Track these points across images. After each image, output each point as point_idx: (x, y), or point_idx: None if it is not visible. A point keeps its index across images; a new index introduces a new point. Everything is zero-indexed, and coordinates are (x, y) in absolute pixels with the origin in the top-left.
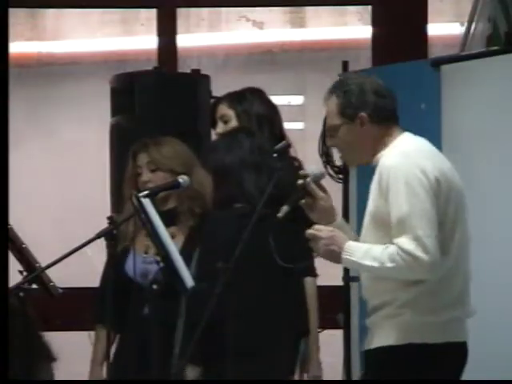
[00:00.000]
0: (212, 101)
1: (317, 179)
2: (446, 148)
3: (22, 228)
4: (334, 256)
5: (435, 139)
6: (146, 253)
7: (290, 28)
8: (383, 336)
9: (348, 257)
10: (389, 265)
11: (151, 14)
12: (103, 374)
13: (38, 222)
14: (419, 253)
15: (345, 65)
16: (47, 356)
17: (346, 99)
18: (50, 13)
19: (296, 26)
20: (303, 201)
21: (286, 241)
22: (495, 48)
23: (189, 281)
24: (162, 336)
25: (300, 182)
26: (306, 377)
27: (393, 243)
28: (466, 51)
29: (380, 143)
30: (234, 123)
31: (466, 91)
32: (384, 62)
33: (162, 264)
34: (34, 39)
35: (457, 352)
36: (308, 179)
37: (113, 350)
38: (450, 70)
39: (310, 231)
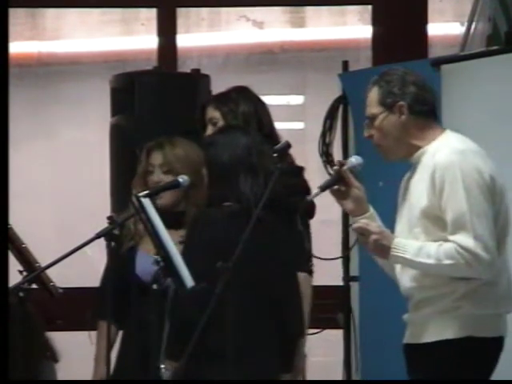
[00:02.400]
0: (203, 102)
1: (354, 168)
2: None
3: (22, 228)
4: (384, 251)
5: None
6: (156, 254)
7: (290, 28)
8: (440, 329)
9: (400, 254)
10: (446, 262)
11: (151, 13)
12: (107, 371)
13: (38, 222)
14: (480, 251)
15: (345, 65)
16: (50, 356)
17: (387, 88)
18: (50, 13)
19: (296, 25)
20: (336, 187)
21: (280, 241)
22: (495, 48)
23: (189, 281)
24: (162, 337)
25: (336, 167)
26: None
27: (445, 239)
28: (466, 51)
29: (420, 138)
30: (221, 124)
31: (466, 91)
32: (384, 62)
33: (161, 264)
34: (34, 39)
35: (502, 346)
36: (345, 167)
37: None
38: (450, 69)
39: (358, 225)
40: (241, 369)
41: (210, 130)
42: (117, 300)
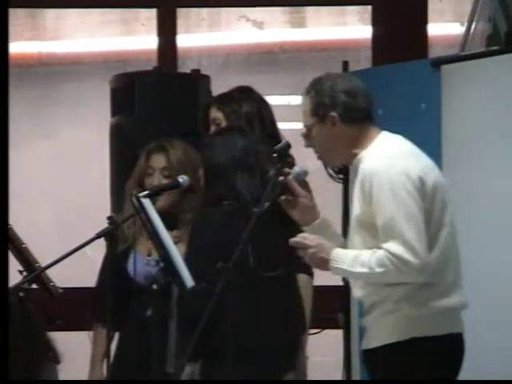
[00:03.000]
0: (206, 103)
1: (299, 177)
2: (446, 148)
3: (22, 228)
4: (323, 264)
5: (435, 139)
6: (149, 255)
7: (290, 28)
8: (384, 333)
9: (338, 265)
10: (378, 270)
11: (151, 13)
12: (103, 373)
13: (38, 222)
14: (408, 256)
15: (345, 65)
16: (52, 357)
17: (318, 99)
18: (50, 13)
19: (296, 26)
20: (283, 197)
21: (274, 241)
22: (495, 48)
23: (189, 281)
24: (164, 337)
25: (281, 178)
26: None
27: (378, 247)
28: (466, 51)
29: (356, 144)
30: (224, 125)
31: (466, 91)
32: (384, 62)
33: (161, 264)
34: (34, 39)
35: (456, 343)
36: (290, 176)
37: (112, 350)
38: (450, 69)
39: (295, 239)
40: (247, 368)
41: (212, 131)
42: (112, 302)
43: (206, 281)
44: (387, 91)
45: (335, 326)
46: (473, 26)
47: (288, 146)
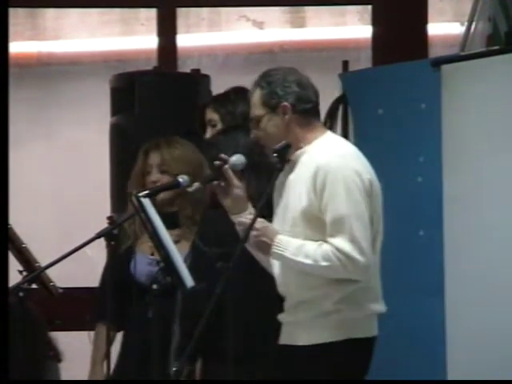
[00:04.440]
0: (203, 104)
1: (234, 167)
2: (446, 148)
3: (22, 228)
4: (264, 248)
5: (435, 139)
6: (151, 254)
7: (290, 28)
8: (320, 332)
9: (280, 252)
10: (323, 263)
11: (151, 13)
12: (104, 372)
13: (38, 222)
14: (355, 254)
15: (345, 65)
16: (53, 356)
17: (270, 89)
18: (50, 13)
19: (296, 25)
20: (216, 183)
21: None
22: (495, 48)
23: (189, 281)
24: (166, 338)
25: (217, 163)
26: None
27: (324, 240)
28: (466, 51)
29: (302, 138)
30: (220, 127)
31: (466, 91)
32: (384, 62)
33: (161, 264)
34: (34, 39)
35: (374, 345)
36: (226, 165)
37: (113, 350)
38: (450, 69)
39: (240, 219)
40: (248, 369)
41: (209, 132)
42: (114, 301)
43: (209, 279)
44: (387, 91)
45: None
46: (473, 26)
47: (288, 145)
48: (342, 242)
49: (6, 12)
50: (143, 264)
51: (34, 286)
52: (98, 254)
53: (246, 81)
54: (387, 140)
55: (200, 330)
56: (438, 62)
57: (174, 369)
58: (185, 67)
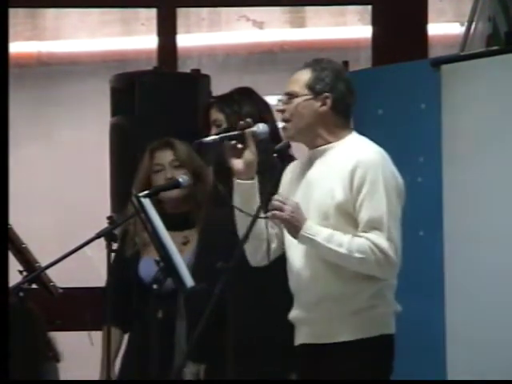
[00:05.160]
0: (207, 104)
1: (256, 133)
2: (446, 148)
3: (22, 228)
4: (293, 229)
5: (435, 139)
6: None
7: (290, 28)
8: (354, 329)
9: (311, 236)
10: (357, 255)
11: (151, 13)
12: (115, 374)
13: (38, 222)
14: (391, 252)
15: (345, 65)
16: (53, 356)
17: (321, 75)
18: (50, 13)
19: (296, 25)
20: (233, 142)
21: None
22: (495, 48)
23: (189, 281)
24: (174, 339)
25: (241, 123)
26: None
27: (360, 235)
28: (466, 51)
29: (330, 132)
30: (225, 126)
31: (466, 91)
32: (384, 62)
33: (161, 264)
34: (34, 39)
35: None
36: (249, 130)
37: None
38: (450, 69)
39: (273, 202)
40: (249, 367)
41: (213, 132)
42: (123, 304)
43: (212, 279)
44: (387, 91)
45: None
46: (473, 26)
47: (288, 145)
48: (379, 239)
49: (6, 12)
50: (152, 267)
51: (34, 285)
52: (98, 254)
53: (246, 81)
54: (387, 140)
55: (205, 330)
56: (438, 62)
57: (186, 370)
58: (185, 67)
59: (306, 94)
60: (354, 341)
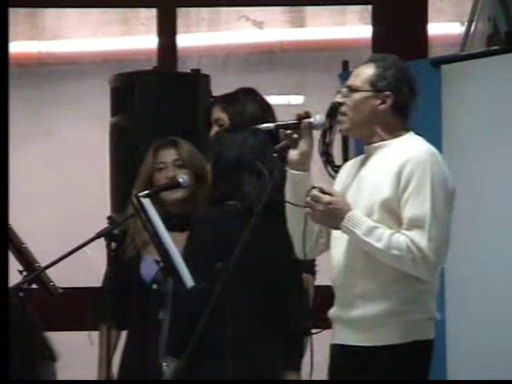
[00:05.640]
0: (209, 103)
1: (314, 124)
2: (446, 148)
3: (22, 228)
4: (333, 220)
5: (435, 139)
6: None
7: (290, 28)
8: (386, 334)
9: (351, 227)
10: (394, 252)
11: (151, 13)
12: (114, 373)
13: (37, 222)
14: (430, 253)
15: (345, 65)
16: (49, 356)
17: (384, 73)
18: (50, 13)
19: (296, 25)
20: (289, 132)
21: (283, 241)
22: (495, 48)
23: (189, 281)
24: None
25: (299, 113)
26: None
27: (402, 232)
28: (466, 51)
29: (386, 130)
30: (227, 125)
31: (466, 91)
32: None
33: (161, 264)
34: (34, 39)
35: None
36: (306, 120)
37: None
38: (450, 69)
39: (313, 192)
40: (241, 366)
41: (214, 131)
42: (120, 304)
43: (203, 279)
44: None
45: None
46: (473, 26)
47: (288, 146)
48: (418, 237)
49: (6, 12)
50: (154, 268)
51: (34, 285)
52: (98, 254)
53: (246, 81)
54: None
55: (194, 326)
56: (438, 62)
57: (164, 364)
58: (185, 67)
59: (366, 90)
60: (385, 346)
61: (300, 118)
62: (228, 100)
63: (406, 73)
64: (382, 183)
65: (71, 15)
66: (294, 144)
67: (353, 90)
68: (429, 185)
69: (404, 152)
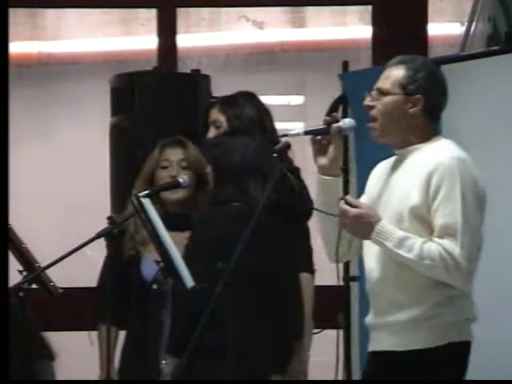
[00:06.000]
0: (208, 104)
1: (342, 129)
2: None
3: (22, 228)
4: (363, 232)
5: None
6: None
7: (290, 28)
8: (420, 338)
9: (381, 240)
10: (427, 262)
11: (151, 13)
12: (115, 371)
13: (37, 222)
14: (463, 260)
15: (345, 65)
16: (47, 355)
17: (415, 76)
18: (50, 13)
19: (296, 25)
20: (319, 138)
21: (282, 242)
22: (495, 48)
23: (189, 281)
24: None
25: (327, 118)
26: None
27: (433, 240)
28: (466, 51)
29: (416, 134)
30: (225, 128)
31: (466, 91)
32: (384, 62)
33: (161, 264)
34: (34, 39)
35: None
36: (335, 125)
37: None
38: (449, 70)
39: (342, 206)
40: (231, 366)
41: (212, 133)
42: (119, 303)
43: (203, 279)
44: None
45: (335, 326)
46: (473, 26)
47: (288, 146)
48: (451, 245)
49: (6, 12)
50: (153, 267)
51: (34, 285)
52: (98, 254)
53: (246, 81)
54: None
55: (194, 326)
56: (438, 63)
57: (163, 362)
58: (185, 67)
59: (397, 93)
60: (422, 349)
61: (329, 123)
62: (227, 102)
63: (437, 74)
64: (412, 190)
65: (71, 15)
66: (323, 150)
67: (383, 92)
68: (459, 191)
69: (433, 158)
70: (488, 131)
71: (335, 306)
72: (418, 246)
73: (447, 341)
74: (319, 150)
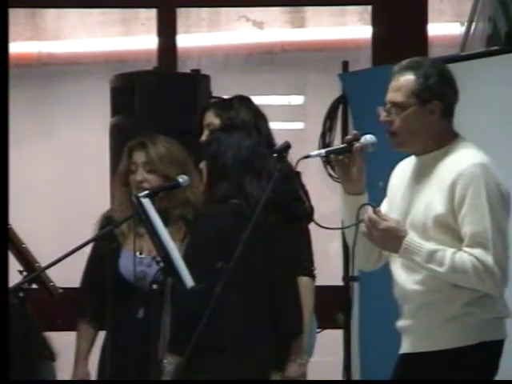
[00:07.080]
0: (203, 106)
1: (364, 147)
2: None
3: (22, 228)
4: (390, 246)
5: None
6: (140, 253)
7: (290, 28)
8: (451, 337)
9: (410, 255)
10: (460, 274)
11: (151, 13)
12: (88, 370)
13: (37, 222)
14: (497, 269)
15: (345, 65)
16: (48, 355)
17: (426, 82)
18: (50, 13)
19: (296, 26)
20: (341, 157)
21: (282, 243)
22: (495, 48)
23: (189, 281)
24: (157, 337)
25: (348, 137)
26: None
27: (458, 249)
28: (466, 51)
29: (437, 139)
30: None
31: (466, 91)
32: (384, 62)
33: (161, 264)
34: (34, 39)
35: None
36: (358, 143)
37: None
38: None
39: (368, 215)
40: (229, 365)
41: (205, 135)
42: (98, 300)
43: (203, 277)
44: (387, 91)
45: (335, 326)
46: (473, 26)
47: (288, 146)
48: (484, 255)
49: (6, 12)
50: (131, 263)
51: (34, 285)
52: None
53: (246, 81)
54: (387, 140)
55: (195, 325)
56: None
57: (164, 361)
58: (185, 67)
59: (412, 105)
60: (452, 349)
61: (350, 141)
62: (222, 106)
63: (447, 74)
64: (434, 199)
65: (71, 15)
66: (346, 170)
67: (398, 105)
68: (485, 198)
69: (456, 167)
70: (488, 131)
71: (335, 306)
72: (449, 258)
73: (478, 340)
74: (342, 169)
